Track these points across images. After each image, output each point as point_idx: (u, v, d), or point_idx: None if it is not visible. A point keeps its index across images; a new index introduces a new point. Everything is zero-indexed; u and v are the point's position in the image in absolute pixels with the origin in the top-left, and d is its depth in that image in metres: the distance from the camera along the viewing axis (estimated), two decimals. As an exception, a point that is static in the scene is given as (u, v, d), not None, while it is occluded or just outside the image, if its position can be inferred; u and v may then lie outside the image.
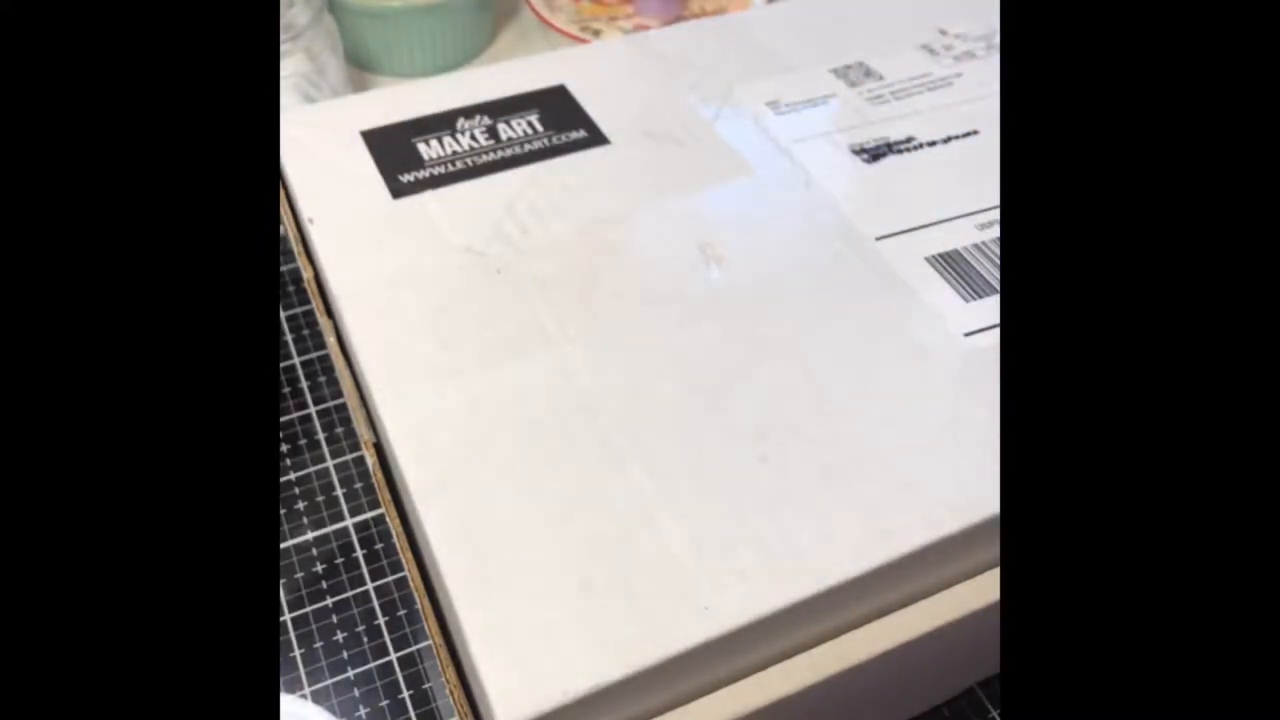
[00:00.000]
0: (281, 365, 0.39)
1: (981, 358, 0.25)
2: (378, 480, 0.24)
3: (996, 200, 0.30)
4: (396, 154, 0.31)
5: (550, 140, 0.32)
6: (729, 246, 0.28)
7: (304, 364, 0.39)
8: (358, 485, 0.35)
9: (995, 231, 0.29)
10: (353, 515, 0.34)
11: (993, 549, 0.23)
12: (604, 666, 0.19)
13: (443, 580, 0.21)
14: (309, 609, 0.32)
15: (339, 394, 0.38)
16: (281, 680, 0.30)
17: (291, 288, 0.42)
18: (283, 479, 0.35)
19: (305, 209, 0.29)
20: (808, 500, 0.22)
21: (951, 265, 0.28)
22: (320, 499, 0.35)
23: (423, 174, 0.30)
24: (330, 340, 0.27)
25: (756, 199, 0.30)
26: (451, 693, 0.20)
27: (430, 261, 0.27)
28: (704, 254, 0.28)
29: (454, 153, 0.31)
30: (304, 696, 0.30)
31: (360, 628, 0.31)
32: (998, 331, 0.26)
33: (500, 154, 0.31)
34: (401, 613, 0.32)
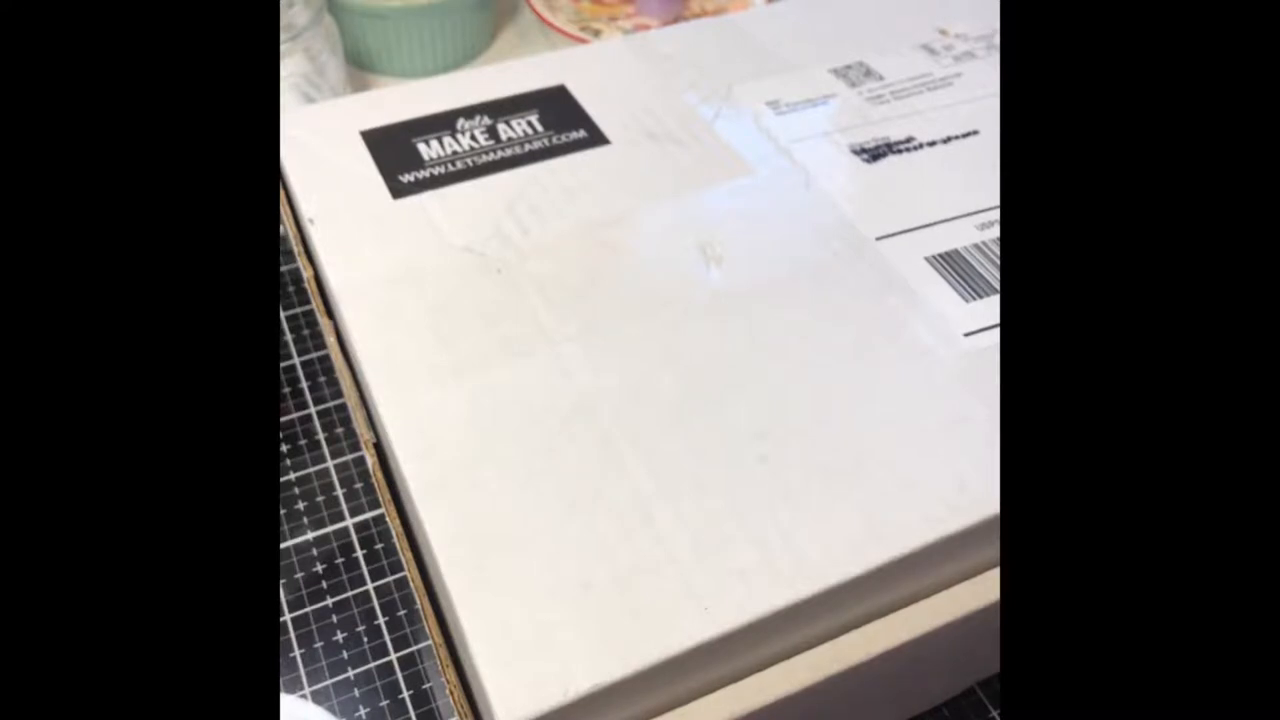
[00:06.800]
0: (281, 365, 0.39)
1: (981, 358, 0.25)
2: (378, 480, 0.24)
3: (996, 200, 0.30)
4: (396, 154, 0.31)
5: (550, 140, 0.32)
6: (729, 246, 0.28)
7: (304, 364, 0.39)
8: (358, 485, 0.35)
9: (995, 231, 0.29)
10: (353, 515, 0.34)
11: (993, 549, 0.23)
12: (604, 666, 0.19)
13: (443, 580, 0.21)
14: (309, 609, 0.32)
15: (339, 394, 0.38)
16: (281, 680, 0.30)
17: (291, 288, 0.42)
18: (283, 479, 0.35)
19: (305, 209, 0.29)
20: (808, 500, 0.22)
21: (951, 265, 0.28)
22: (320, 499, 0.35)
23: (423, 174, 0.30)
24: (330, 340, 0.27)
25: (756, 199, 0.30)
26: (451, 693, 0.20)
27: (430, 261, 0.27)
28: (704, 254, 0.28)
29: (454, 153, 0.31)
30: (304, 696, 0.30)
31: (360, 628, 0.31)
32: (998, 331, 0.26)
33: (500, 154, 0.31)
34: (401, 613, 0.32)
